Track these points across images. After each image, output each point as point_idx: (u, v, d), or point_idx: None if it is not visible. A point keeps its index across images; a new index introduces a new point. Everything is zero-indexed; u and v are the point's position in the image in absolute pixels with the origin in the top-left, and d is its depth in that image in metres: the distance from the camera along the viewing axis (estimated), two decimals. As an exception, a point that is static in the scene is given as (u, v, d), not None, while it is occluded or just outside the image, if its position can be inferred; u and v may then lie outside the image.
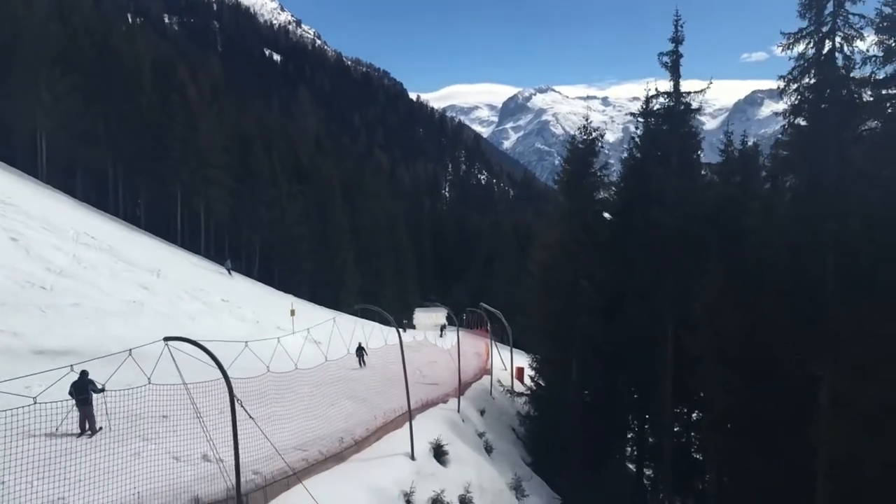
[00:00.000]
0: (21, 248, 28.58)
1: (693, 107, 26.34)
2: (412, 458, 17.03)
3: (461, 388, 29.86)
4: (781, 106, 19.59)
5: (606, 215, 29.96)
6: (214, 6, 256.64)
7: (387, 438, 18.04)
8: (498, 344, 42.00)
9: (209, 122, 57.83)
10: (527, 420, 29.07)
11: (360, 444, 16.72)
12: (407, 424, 19.89)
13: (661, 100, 26.88)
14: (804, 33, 18.75)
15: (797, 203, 18.97)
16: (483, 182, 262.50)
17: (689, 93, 26.34)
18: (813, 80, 18.95)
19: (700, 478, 24.70)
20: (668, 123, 26.73)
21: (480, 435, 23.67)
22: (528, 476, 25.03)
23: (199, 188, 57.22)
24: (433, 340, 45.99)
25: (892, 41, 16.56)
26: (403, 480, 15.31)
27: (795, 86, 18.98)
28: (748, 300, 20.32)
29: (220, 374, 10.51)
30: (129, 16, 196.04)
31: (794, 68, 19.11)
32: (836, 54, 18.62)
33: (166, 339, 10.26)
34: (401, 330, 19.15)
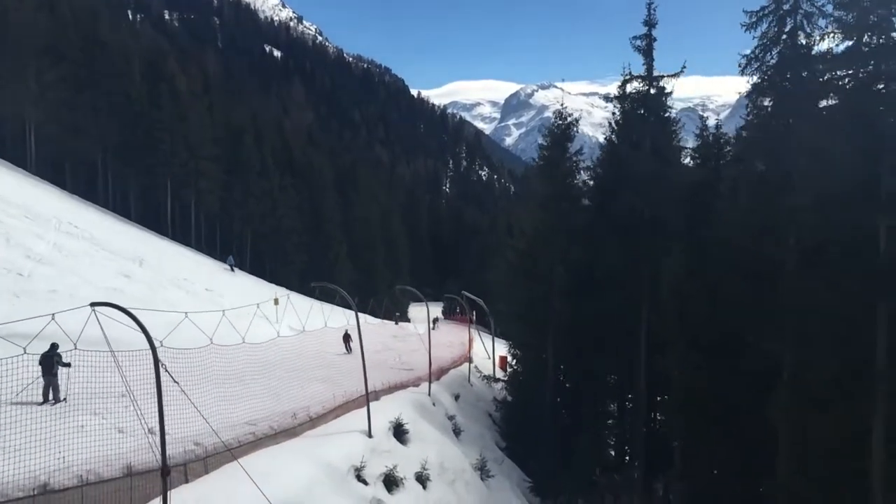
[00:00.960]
0: (0, 235, 28.73)
1: (667, 90, 26.31)
2: (369, 435, 17.02)
3: (438, 374, 29.95)
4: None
5: (586, 201, 29.99)
6: (215, 2, 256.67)
7: (346, 417, 18.06)
8: (482, 332, 42.06)
9: (199, 114, 57.89)
10: (503, 405, 29.09)
11: (315, 421, 16.78)
12: (370, 403, 20.01)
13: (636, 84, 26.84)
14: (766, 11, 18.69)
15: (759, 183, 18.91)
16: (484, 178, 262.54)
17: (662, 76, 26.29)
18: (775, 59, 18.90)
19: (670, 459, 24.67)
20: (643, 107, 26.69)
21: (450, 418, 23.67)
22: (499, 459, 25.08)
23: (190, 180, 57.30)
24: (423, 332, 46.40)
25: (849, 17, 16.46)
26: (356, 456, 15.30)
27: (757, 64, 18.89)
28: (712, 281, 20.31)
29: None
30: (129, 12, 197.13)
31: (756, 47, 19.05)
32: (798, 32, 18.57)
33: (93, 304, 10.28)
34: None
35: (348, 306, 18.70)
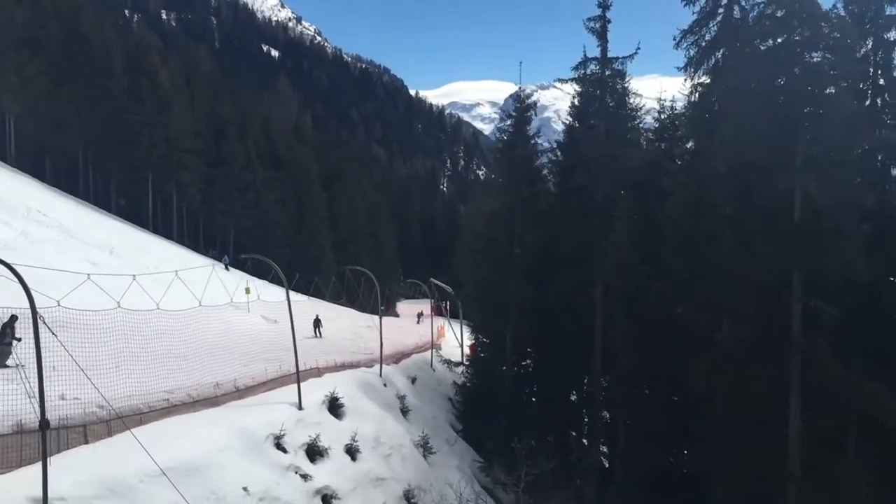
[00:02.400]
0: (-34, 222, 28.84)
1: (622, 71, 26.32)
2: (300, 407, 17.02)
3: (398, 359, 30.06)
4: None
5: (551, 186, 30.02)
6: (213, 2, 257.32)
7: (279, 390, 18.07)
8: (462, 323, 42.10)
9: (181, 108, 58.01)
10: (461, 389, 29.10)
11: (242, 392, 16.84)
12: (311, 379, 20.06)
13: (592, 66, 26.83)
14: (703, -16, 18.69)
15: (693, 157, 18.93)
16: (482, 177, 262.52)
17: (617, 58, 26.29)
18: (713, 34, 18.90)
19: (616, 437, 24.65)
20: (599, 89, 26.69)
21: (400, 398, 23.68)
22: (452, 440, 25.08)
23: (171, 173, 57.44)
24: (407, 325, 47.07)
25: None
26: (279, 425, 15.29)
27: (693, 38, 18.88)
28: (652, 257, 20.32)
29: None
30: (126, 11, 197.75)
31: (693, 23, 19.04)
32: (734, 6, 18.57)
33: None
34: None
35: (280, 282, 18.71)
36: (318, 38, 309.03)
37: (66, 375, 11.84)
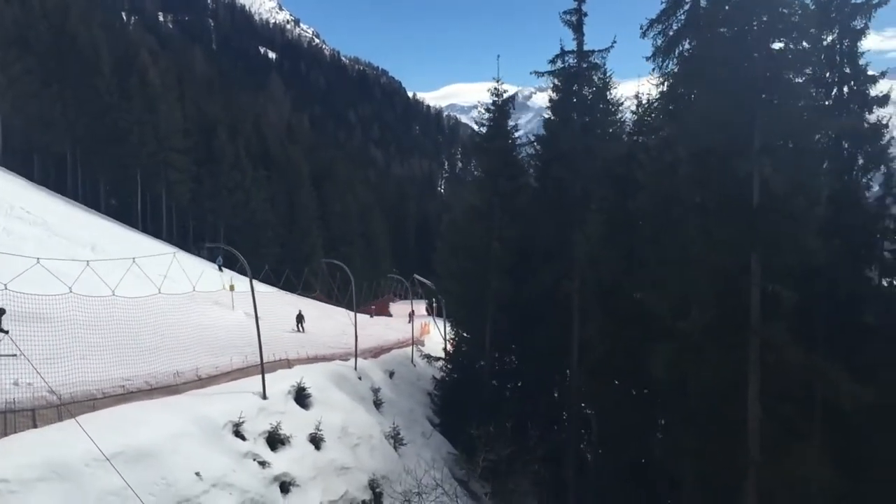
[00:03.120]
0: (-55, 218, 28.79)
1: (598, 65, 26.31)
2: (264, 397, 16.98)
3: (377, 353, 30.04)
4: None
5: (533, 181, 29.98)
6: (210, 4, 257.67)
7: (245, 380, 17.99)
8: (439, 319, 42.06)
9: (169, 106, 57.98)
10: (440, 383, 29.02)
11: (204, 381, 16.77)
12: (280, 371, 20.01)
13: (570, 60, 26.82)
14: (669, -26, 18.67)
15: (662, 147, 18.91)
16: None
17: (593, 51, 26.27)
18: (681, 22, 18.88)
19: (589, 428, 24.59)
20: (576, 82, 26.66)
21: (375, 390, 23.59)
22: (428, 433, 25.02)
23: (160, 172, 57.41)
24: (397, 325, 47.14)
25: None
26: (238, 413, 15.23)
27: (661, 27, 18.86)
28: (626, 248, 20.28)
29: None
30: (122, 14, 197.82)
31: (660, 12, 19.03)
32: (702, -3, 18.55)
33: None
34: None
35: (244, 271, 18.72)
36: (317, 41, 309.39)
37: (27, 362, 11.88)
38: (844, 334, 16.78)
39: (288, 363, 20.96)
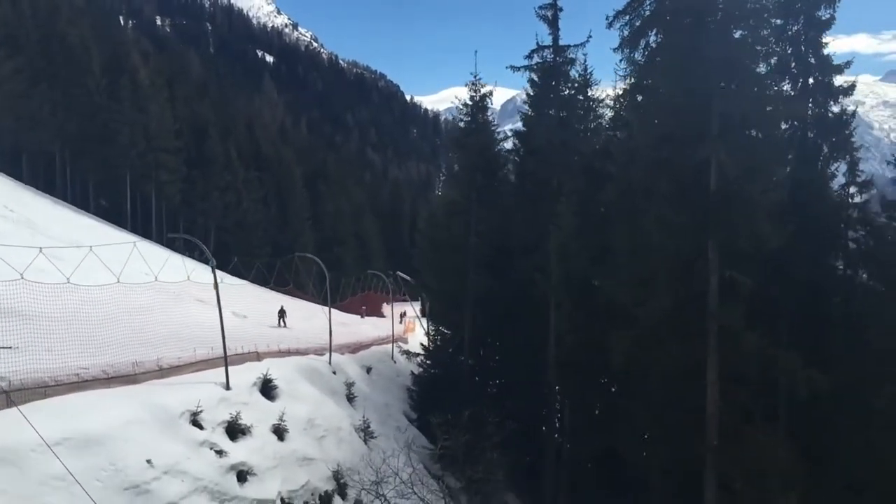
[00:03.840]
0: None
1: (574, 59, 26.34)
2: (227, 388, 16.91)
3: (356, 349, 30.00)
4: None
5: (512, 177, 29.99)
6: (208, 8, 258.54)
7: (209, 371, 17.92)
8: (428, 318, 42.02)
9: (159, 106, 58.07)
10: (418, 378, 28.97)
11: (165, 372, 16.72)
12: (248, 363, 19.97)
13: (546, 54, 26.85)
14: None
15: (628, 138, 18.91)
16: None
17: (568, 46, 26.31)
18: (647, 12, 18.83)
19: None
20: (552, 77, 26.69)
21: (349, 385, 23.51)
22: (403, 427, 24.96)
23: (149, 172, 57.47)
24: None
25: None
26: (197, 403, 15.16)
27: (627, 18, 18.81)
28: (594, 238, 20.27)
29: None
30: (120, 18, 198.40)
31: (627, 4, 18.97)
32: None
33: None
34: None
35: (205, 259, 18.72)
36: (315, 45, 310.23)
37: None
38: (809, 323, 16.78)
39: (257, 356, 20.92)
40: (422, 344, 31.03)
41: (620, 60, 19.61)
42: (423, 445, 24.67)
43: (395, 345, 32.45)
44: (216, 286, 17.45)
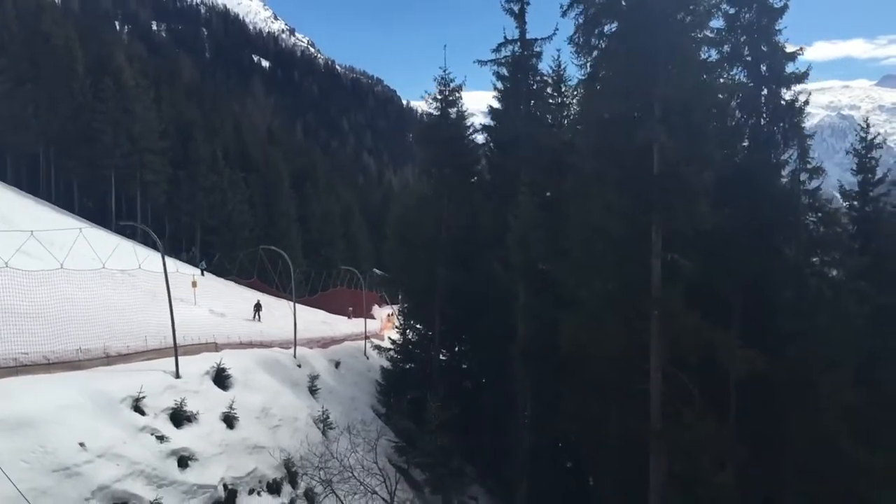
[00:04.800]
0: None
1: (540, 52, 26.42)
2: (177, 376, 16.85)
3: (327, 344, 29.96)
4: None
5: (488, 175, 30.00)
6: (204, 14, 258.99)
7: (161, 360, 17.85)
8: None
9: (144, 107, 58.03)
10: (387, 373, 28.88)
11: (113, 359, 16.65)
12: (205, 353, 19.91)
13: (513, 48, 26.92)
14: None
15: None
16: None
17: (535, 40, 26.38)
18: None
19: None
20: (518, 71, 26.75)
21: (313, 377, 23.44)
22: (369, 421, 24.80)
23: (134, 173, 57.39)
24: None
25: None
26: (140, 389, 15.06)
27: (581, 7, 18.82)
28: (553, 228, 20.25)
29: None
30: (116, 23, 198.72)
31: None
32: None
33: None
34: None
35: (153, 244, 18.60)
36: (311, 50, 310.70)
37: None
38: (760, 310, 16.75)
39: (216, 346, 20.86)
40: (390, 338, 30.96)
41: (574, 51, 19.60)
42: (389, 439, 24.57)
43: (368, 341, 32.39)
44: (166, 275, 17.41)
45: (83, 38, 59.98)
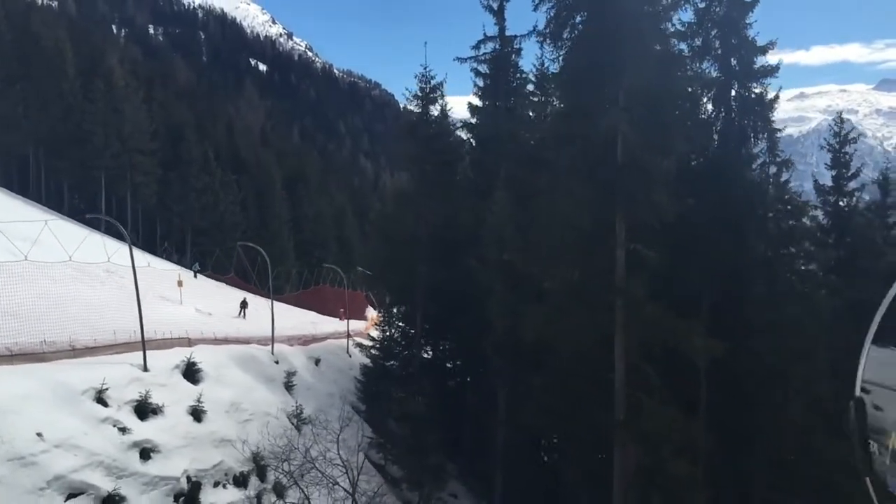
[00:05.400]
0: None
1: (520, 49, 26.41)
2: (144, 369, 16.77)
3: (308, 342, 29.87)
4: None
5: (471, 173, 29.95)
6: (202, 17, 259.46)
7: (130, 354, 17.77)
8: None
9: (134, 108, 58.07)
10: (367, 370, 28.78)
11: (79, 352, 16.56)
12: (177, 348, 19.82)
13: (492, 45, 26.91)
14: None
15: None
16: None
17: (515, 36, 26.39)
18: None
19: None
20: (498, 68, 26.74)
21: (290, 374, 23.36)
22: (347, 419, 24.69)
23: (124, 174, 57.39)
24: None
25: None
26: (108, 382, 15.00)
27: (551, 3, 18.83)
28: (527, 222, 20.18)
29: None
30: (113, 27, 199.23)
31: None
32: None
33: None
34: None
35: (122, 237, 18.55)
36: (309, 54, 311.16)
37: None
38: (729, 302, 16.72)
39: (189, 342, 20.78)
40: (370, 335, 30.89)
41: (543, 42, 19.62)
42: (367, 436, 24.43)
43: (352, 339, 32.31)
44: (133, 267, 17.37)
45: (75, 40, 59.98)
